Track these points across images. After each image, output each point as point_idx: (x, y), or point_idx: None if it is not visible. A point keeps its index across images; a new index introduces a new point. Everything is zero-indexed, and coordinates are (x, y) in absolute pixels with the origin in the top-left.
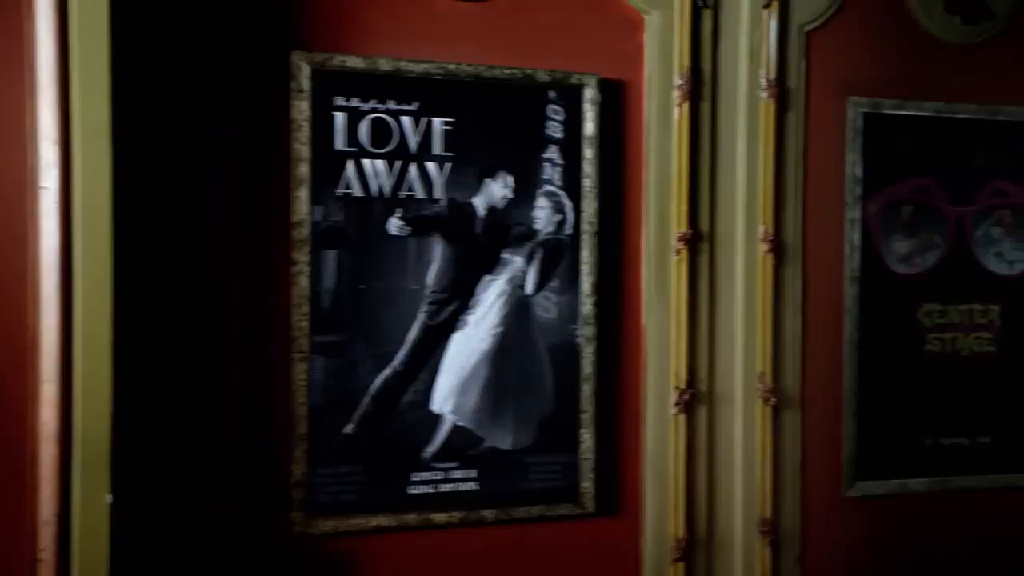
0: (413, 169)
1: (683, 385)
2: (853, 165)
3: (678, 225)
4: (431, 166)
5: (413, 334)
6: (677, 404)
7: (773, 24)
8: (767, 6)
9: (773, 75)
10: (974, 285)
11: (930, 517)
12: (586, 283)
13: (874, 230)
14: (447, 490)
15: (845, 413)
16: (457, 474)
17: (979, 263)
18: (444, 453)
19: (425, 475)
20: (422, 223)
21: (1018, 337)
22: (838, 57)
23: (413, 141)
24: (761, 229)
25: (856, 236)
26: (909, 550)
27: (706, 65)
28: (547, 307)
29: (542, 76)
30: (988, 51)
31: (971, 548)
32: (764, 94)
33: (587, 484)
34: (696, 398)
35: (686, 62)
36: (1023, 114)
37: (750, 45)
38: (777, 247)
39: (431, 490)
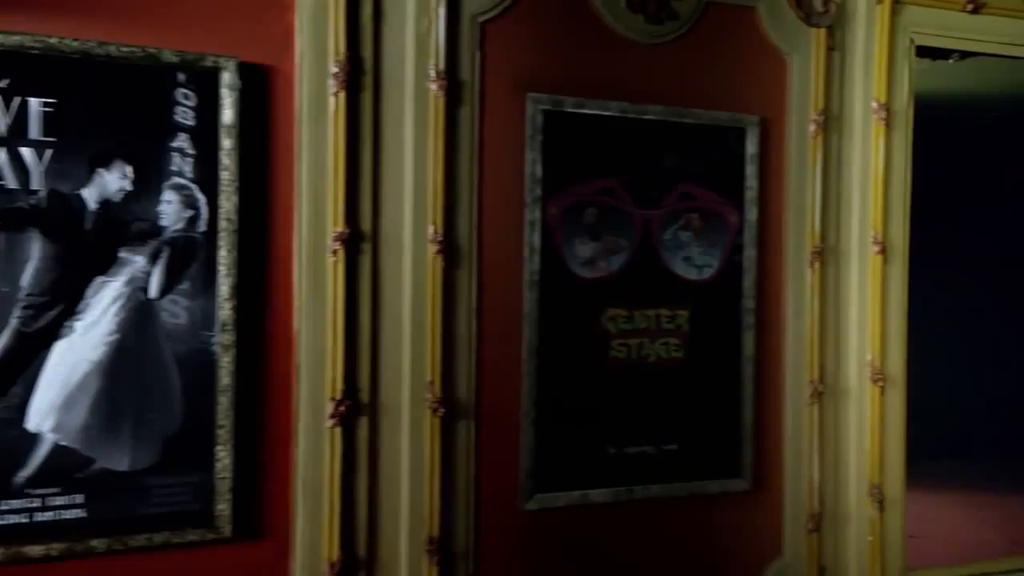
0: (3, 155)
1: (340, 395)
2: (533, 164)
3: (334, 223)
4: (26, 152)
5: (2, 343)
6: (333, 416)
7: (442, 12)
8: None
9: (443, 67)
10: (662, 290)
11: (614, 528)
12: (224, 285)
13: (556, 232)
14: (45, 519)
15: (523, 423)
16: (59, 500)
17: (667, 267)
18: (42, 477)
19: (16, 503)
20: (13, 216)
21: (707, 343)
22: (516, 51)
23: (2, 123)
24: (430, 229)
25: (536, 238)
26: (592, 563)
27: (367, 53)
28: (176, 312)
29: (169, 57)
30: (674, 51)
31: (658, 558)
32: (433, 87)
33: (223, 506)
34: (356, 409)
35: (342, 48)
36: (711, 117)
37: (417, 33)
38: (448, 248)
39: (24, 520)
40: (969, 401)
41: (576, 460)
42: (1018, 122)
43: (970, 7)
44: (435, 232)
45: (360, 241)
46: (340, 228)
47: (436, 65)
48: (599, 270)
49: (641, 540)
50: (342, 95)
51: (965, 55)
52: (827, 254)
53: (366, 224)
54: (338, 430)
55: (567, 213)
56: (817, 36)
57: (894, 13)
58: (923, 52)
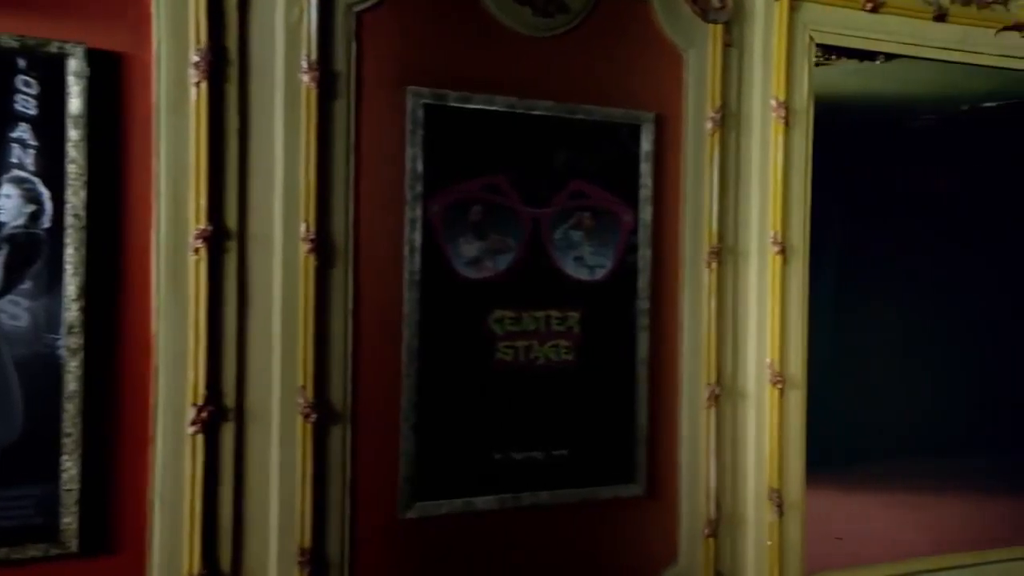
0: None
1: (202, 401)
2: (414, 160)
3: (196, 220)
4: None
5: None
6: (195, 422)
7: (314, 1)
8: None
9: (315, 57)
10: (552, 291)
11: (500, 536)
12: (71, 285)
13: (439, 231)
14: None
15: (404, 428)
16: None
17: (557, 267)
18: None
19: None
20: None
21: (599, 345)
22: (396, 42)
23: None
24: (302, 227)
25: (417, 237)
26: (476, 573)
27: (231, 42)
28: (16, 314)
29: (7, 41)
30: (565, 45)
31: (547, 567)
32: (306, 78)
33: (69, 519)
34: (220, 415)
35: (203, 36)
36: (603, 113)
37: (287, 22)
38: (322, 247)
39: None
40: (906, 403)
41: (460, 466)
42: (952, 123)
43: (869, 6)
44: (307, 230)
45: (225, 239)
46: (203, 225)
47: (308, 56)
48: (485, 270)
49: (529, 549)
50: (204, 85)
51: (890, 56)
52: (725, 254)
53: (232, 221)
54: (200, 437)
55: (451, 211)
56: (714, 32)
57: (792, 10)
58: (850, 53)
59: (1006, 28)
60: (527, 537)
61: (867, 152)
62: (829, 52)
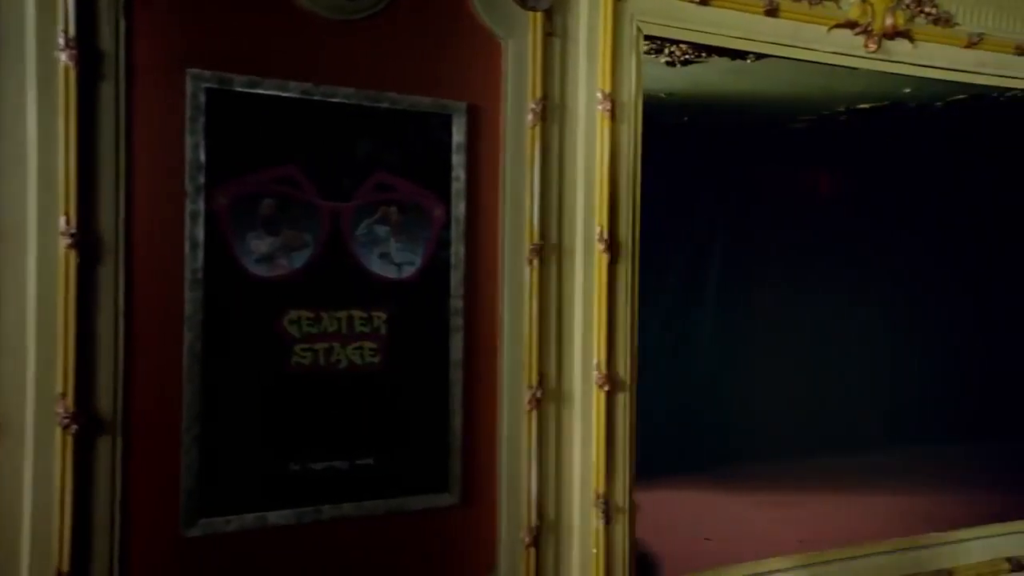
0: None
1: None
2: (195, 149)
3: None
4: None
5: None
6: None
7: None
8: None
9: (74, 33)
10: (355, 289)
11: (299, 553)
12: None
13: (225, 225)
14: None
15: (185, 439)
16: None
17: (361, 265)
18: None
19: None
20: None
21: (409, 347)
22: (174, 20)
23: None
24: (62, 221)
25: (200, 232)
26: None
27: None
28: None
29: None
30: (369, 30)
31: None
32: (63, 56)
33: None
34: None
35: None
36: (410, 102)
37: None
38: (85, 242)
39: None
40: (785, 402)
41: (252, 479)
42: (829, 124)
43: None
44: (68, 224)
45: None
46: None
47: (66, 32)
48: (279, 268)
49: (330, 565)
50: None
51: (760, 56)
52: (548, 251)
53: None
54: None
55: (239, 204)
56: (535, 20)
57: (619, 0)
58: (721, 52)
59: (838, 25)
60: (330, 553)
61: (749, 151)
62: (700, 50)
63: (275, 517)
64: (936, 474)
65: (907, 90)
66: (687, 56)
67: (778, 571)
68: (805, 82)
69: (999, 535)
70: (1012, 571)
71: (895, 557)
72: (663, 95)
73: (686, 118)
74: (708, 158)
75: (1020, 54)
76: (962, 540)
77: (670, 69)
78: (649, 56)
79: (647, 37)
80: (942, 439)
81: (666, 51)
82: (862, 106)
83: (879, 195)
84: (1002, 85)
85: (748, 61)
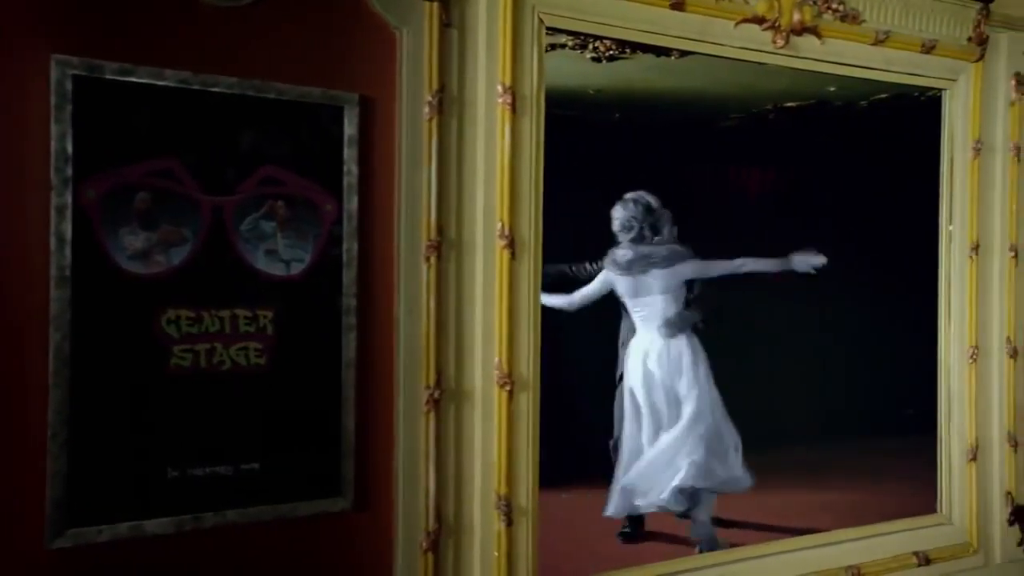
0: None
1: None
2: (61, 139)
3: None
4: None
5: None
6: None
7: None
8: None
9: None
10: (239, 287)
11: (178, 563)
12: None
13: (96, 220)
14: None
15: (51, 446)
16: None
17: (245, 261)
18: None
19: None
20: None
21: (298, 347)
22: (37, 2)
23: None
24: None
25: (66, 227)
26: None
27: None
28: None
29: None
30: (253, 17)
31: None
32: None
33: None
34: None
35: None
36: (298, 93)
37: None
38: None
39: None
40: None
41: (125, 486)
42: (757, 122)
43: None
44: None
45: None
46: None
47: None
48: (156, 264)
49: (214, 575)
50: None
51: (684, 53)
52: (446, 248)
53: None
54: None
55: (111, 198)
56: (431, 10)
57: None
58: (645, 48)
59: (745, 20)
60: (212, 562)
61: (679, 149)
62: (624, 46)
63: (152, 526)
64: (851, 469)
65: (832, 88)
66: (612, 52)
67: (687, 571)
68: (730, 80)
69: (907, 530)
70: (919, 566)
71: (803, 554)
72: (591, 91)
73: (617, 115)
74: (639, 156)
75: (927, 52)
76: (870, 536)
77: (596, 65)
78: (574, 51)
79: (566, 31)
80: (856, 435)
81: (591, 46)
82: (789, 104)
83: (804, 194)
84: (911, 83)
85: (672, 58)
